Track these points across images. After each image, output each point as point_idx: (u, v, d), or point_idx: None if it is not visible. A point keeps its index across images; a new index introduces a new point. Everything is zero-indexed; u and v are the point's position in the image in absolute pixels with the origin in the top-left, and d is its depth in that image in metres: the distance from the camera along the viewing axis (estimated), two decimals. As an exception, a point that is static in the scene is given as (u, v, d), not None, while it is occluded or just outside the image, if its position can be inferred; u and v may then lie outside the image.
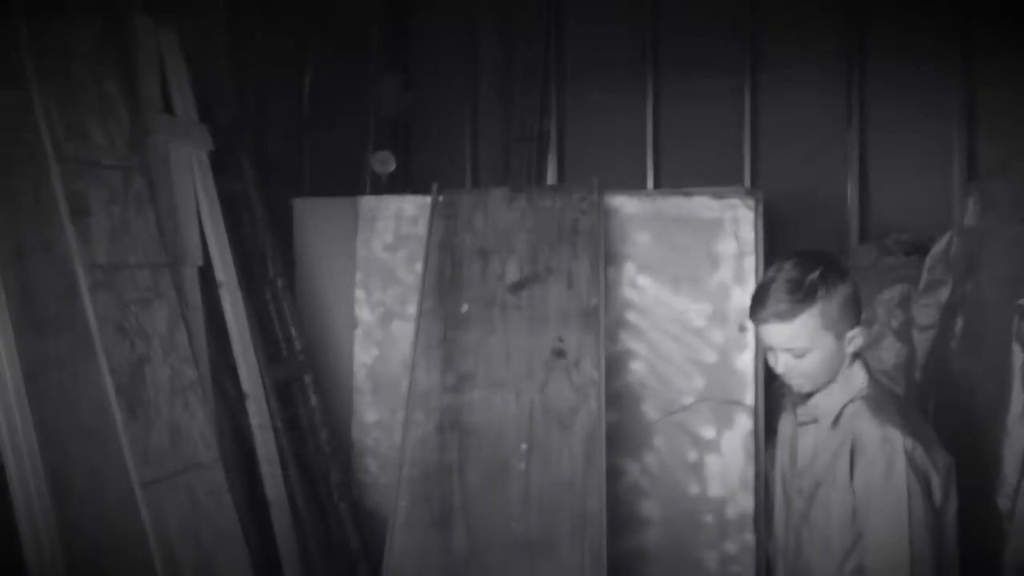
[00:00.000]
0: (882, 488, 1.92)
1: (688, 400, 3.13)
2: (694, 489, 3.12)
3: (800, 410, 2.13)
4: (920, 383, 3.04)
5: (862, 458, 1.96)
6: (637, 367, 3.18)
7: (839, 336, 2.02)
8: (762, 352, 3.05)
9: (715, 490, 3.10)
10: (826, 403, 2.07)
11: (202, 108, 3.26)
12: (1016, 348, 2.40)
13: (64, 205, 2.53)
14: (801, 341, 2.01)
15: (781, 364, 2.07)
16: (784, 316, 1.99)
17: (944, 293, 2.97)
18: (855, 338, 2.05)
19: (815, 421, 2.09)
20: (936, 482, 1.93)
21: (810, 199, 4.12)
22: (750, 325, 3.08)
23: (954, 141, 3.94)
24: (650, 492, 3.15)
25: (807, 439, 2.12)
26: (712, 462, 3.10)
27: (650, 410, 3.16)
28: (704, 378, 3.12)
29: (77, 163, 2.60)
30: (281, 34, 4.08)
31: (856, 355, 2.08)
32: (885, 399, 2.05)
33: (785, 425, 2.26)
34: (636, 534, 3.15)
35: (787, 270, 2.02)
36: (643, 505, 3.16)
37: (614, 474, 3.08)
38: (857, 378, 2.06)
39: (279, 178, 3.90)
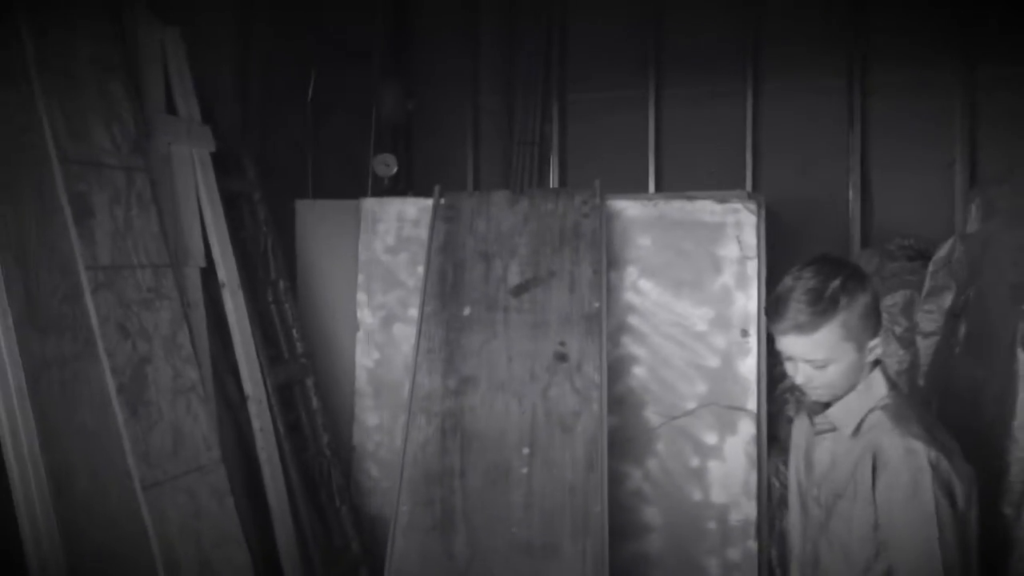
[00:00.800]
0: (908, 502, 1.87)
1: (690, 405, 3.12)
2: (696, 495, 3.11)
3: (818, 419, 2.07)
4: (924, 389, 3.03)
5: (885, 471, 1.91)
6: (639, 371, 3.18)
7: (860, 346, 1.95)
8: (765, 357, 3.06)
9: (718, 496, 3.09)
10: (846, 412, 2.00)
11: (205, 109, 3.26)
12: (1020, 354, 2.38)
13: (67, 206, 2.53)
14: (822, 352, 1.93)
15: (801, 375, 1.99)
16: (804, 328, 1.91)
17: (947, 299, 2.97)
18: (876, 347, 1.98)
19: (833, 430, 2.04)
20: (960, 492, 1.88)
21: (812, 204, 4.12)
22: (753, 330, 3.08)
23: (956, 147, 3.94)
24: (652, 498, 3.15)
25: (824, 448, 2.07)
26: (715, 468, 3.10)
27: (652, 415, 3.16)
28: (706, 383, 3.12)
29: (80, 164, 2.60)
30: (286, 38, 4.09)
31: (876, 363, 2.01)
32: (906, 408, 1.99)
33: (799, 432, 2.21)
34: (638, 540, 3.14)
35: (806, 279, 1.93)
36: (645, 511, 3.15)
37: (616, 479, 3.08)
38: (878, 387, 1.99)
39: (281, 180, 3.89)
